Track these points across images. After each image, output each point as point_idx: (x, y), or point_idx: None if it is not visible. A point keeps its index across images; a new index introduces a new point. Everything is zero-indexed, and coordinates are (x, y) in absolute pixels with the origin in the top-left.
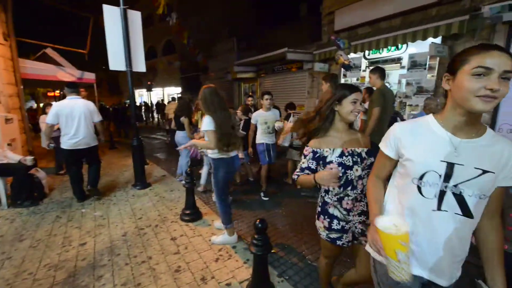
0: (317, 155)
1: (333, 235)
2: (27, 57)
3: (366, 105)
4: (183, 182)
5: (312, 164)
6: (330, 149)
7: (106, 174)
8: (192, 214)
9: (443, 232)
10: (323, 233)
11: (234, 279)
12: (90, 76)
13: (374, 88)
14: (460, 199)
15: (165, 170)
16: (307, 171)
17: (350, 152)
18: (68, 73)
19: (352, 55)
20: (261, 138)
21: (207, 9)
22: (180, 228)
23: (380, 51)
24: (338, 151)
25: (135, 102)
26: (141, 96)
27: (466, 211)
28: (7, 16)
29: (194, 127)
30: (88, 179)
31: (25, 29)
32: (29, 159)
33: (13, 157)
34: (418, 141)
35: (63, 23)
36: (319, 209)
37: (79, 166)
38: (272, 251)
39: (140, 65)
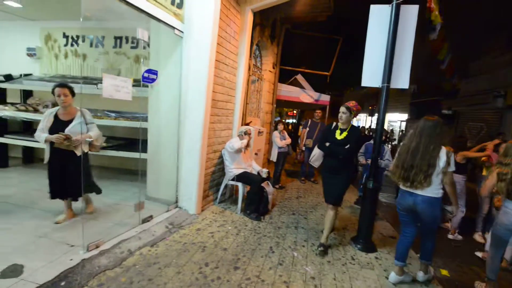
0: None
1: None
2: (283, 82)
3: None
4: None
5: None
6: None
7: (320, 203)
8: None
9: None
10: None
11: None
12: (325, 98)
13: None
14: None
15: (395, 229)
16: None
17: None
18: (308, 95)
19: None
20: None
21: (476, 11)
22: None
23: None
24: None
25: (382, 128)
26: (358, 120)
27: None
28: (278, 50)
29: None
30: None
31: (284, 58)
32: (265, 171)
33: (255, 167)
34: None
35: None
36: None
37: None
38: None
39: (401, 81)
